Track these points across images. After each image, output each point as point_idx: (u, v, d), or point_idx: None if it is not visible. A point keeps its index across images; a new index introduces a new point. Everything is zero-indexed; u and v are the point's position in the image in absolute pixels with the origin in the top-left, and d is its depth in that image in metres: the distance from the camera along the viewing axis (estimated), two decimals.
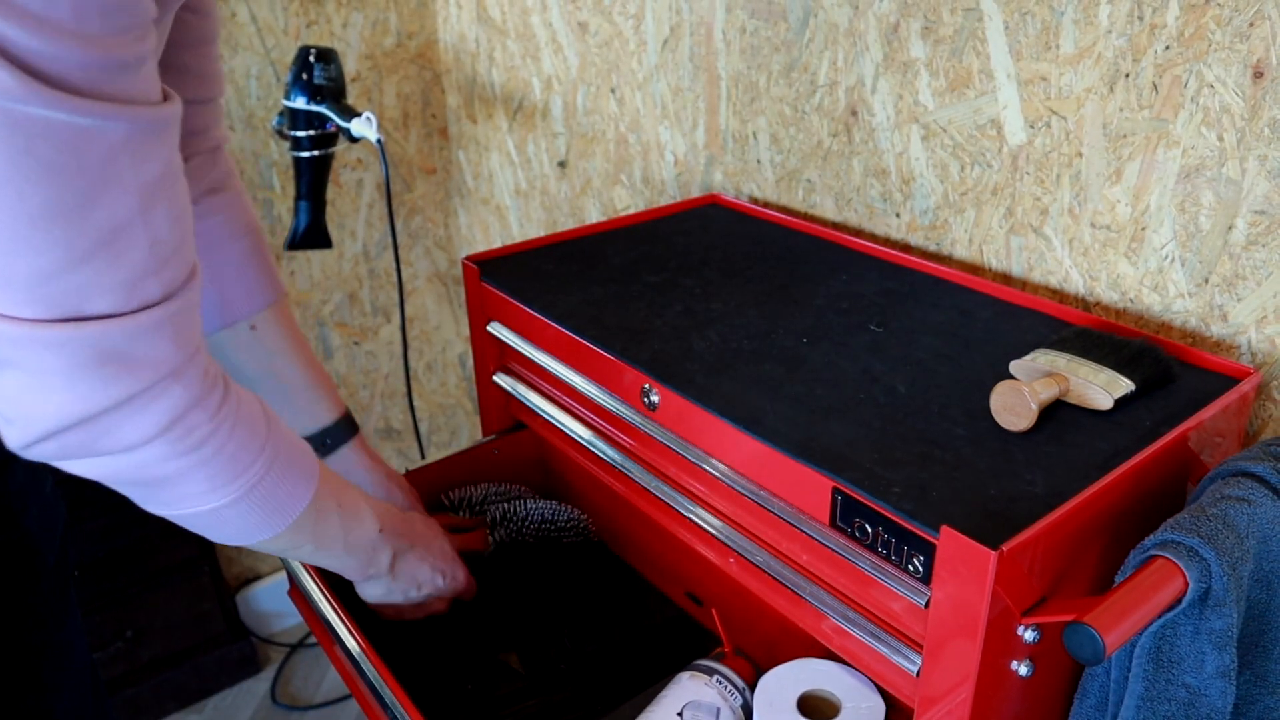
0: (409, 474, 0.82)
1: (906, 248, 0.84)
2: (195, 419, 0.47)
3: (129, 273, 0.41)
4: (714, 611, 0.64)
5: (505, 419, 0.85)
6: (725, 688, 0.58)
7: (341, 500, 0.59)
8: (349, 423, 0.74)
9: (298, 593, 0.74)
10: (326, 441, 0.72)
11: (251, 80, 1.33)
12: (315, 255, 1.47)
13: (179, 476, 0.48)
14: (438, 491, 0.83)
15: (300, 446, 0.56)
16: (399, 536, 0.65)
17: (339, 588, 0.68)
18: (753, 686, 0.57)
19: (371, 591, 0.66)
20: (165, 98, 0.43)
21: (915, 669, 0.49)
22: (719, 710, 0.57)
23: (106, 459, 0.45)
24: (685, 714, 0.57)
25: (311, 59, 1.07)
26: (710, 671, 0.59)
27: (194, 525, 0.52)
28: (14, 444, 0.44)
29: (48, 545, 0.62)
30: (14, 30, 0.35)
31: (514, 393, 0.79)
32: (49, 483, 0.64)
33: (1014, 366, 0.60)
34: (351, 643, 0.65)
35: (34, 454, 0.44)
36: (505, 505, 0.80)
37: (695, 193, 1.06)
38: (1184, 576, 0.44)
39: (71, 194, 0.39)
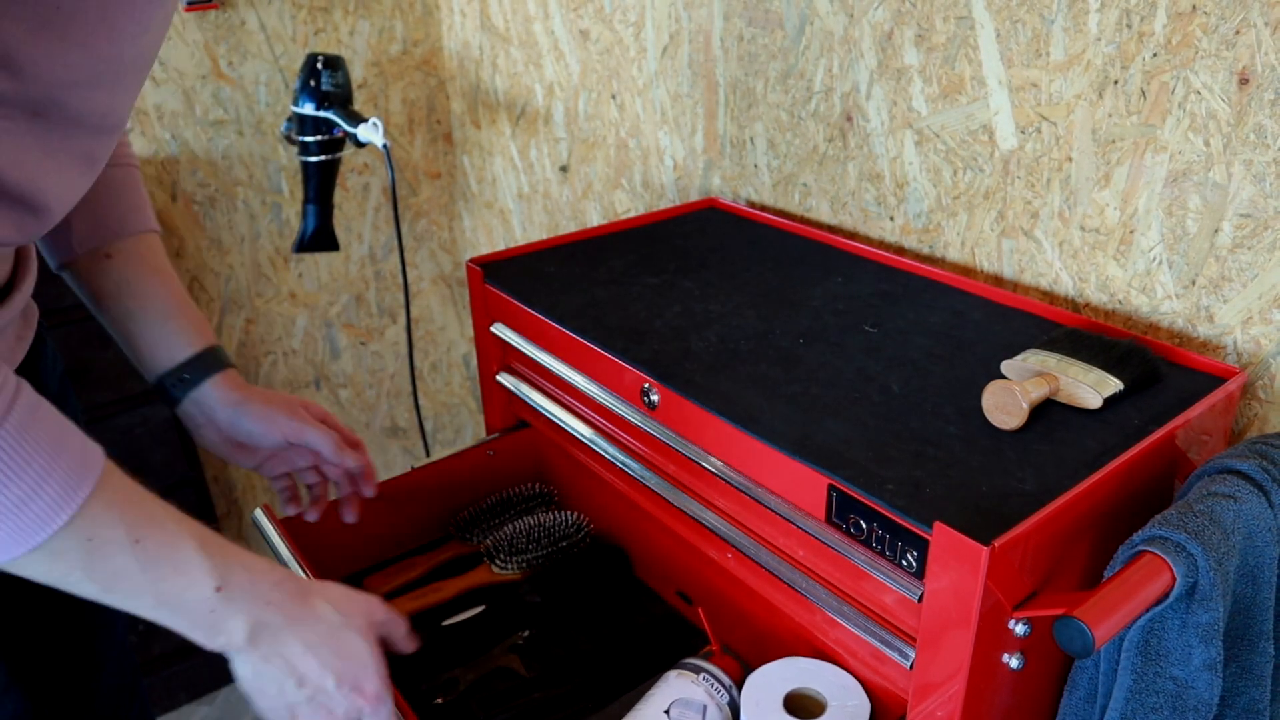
0: (414, 471, 0.82)
1: (900, 250, 0.85)
2: None
3: None
4: (701, 611, 0.65)
5: (508, 418, 0.86)
6: (712, 686, 0.59)
7: (143, 536, 0.45)
8: (213, 356, 0.66)
9: None
10: (184, 377, 0.65)
11: (260, 87, 1.34)
12: (323, 258, 1.49)
13: None
14: (444, 498, 0.84)
15: (66, 448, 0.42)
16: (265, 605, 0.49)
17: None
18: (740, 685, 0.58)
19: (240, 671, 0.50)
20: None
21: (909, 662, 0.50)
22: (705, 708, 0.57)
23: None
24: (672, 711, 0.57)
25: (319, 66, 1.08)
26: (697, 670, 0.60)
27: None
28: None
29: None
30: None
31: (517, 392, 0.80)
32: None
33: (1005, 366, 0.61)
34: None
35: None
36: (500, 533, 0.77)
37: (694, 196, 1.07)
38: (1171, 571, 0.45)
39: None
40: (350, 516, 0.73)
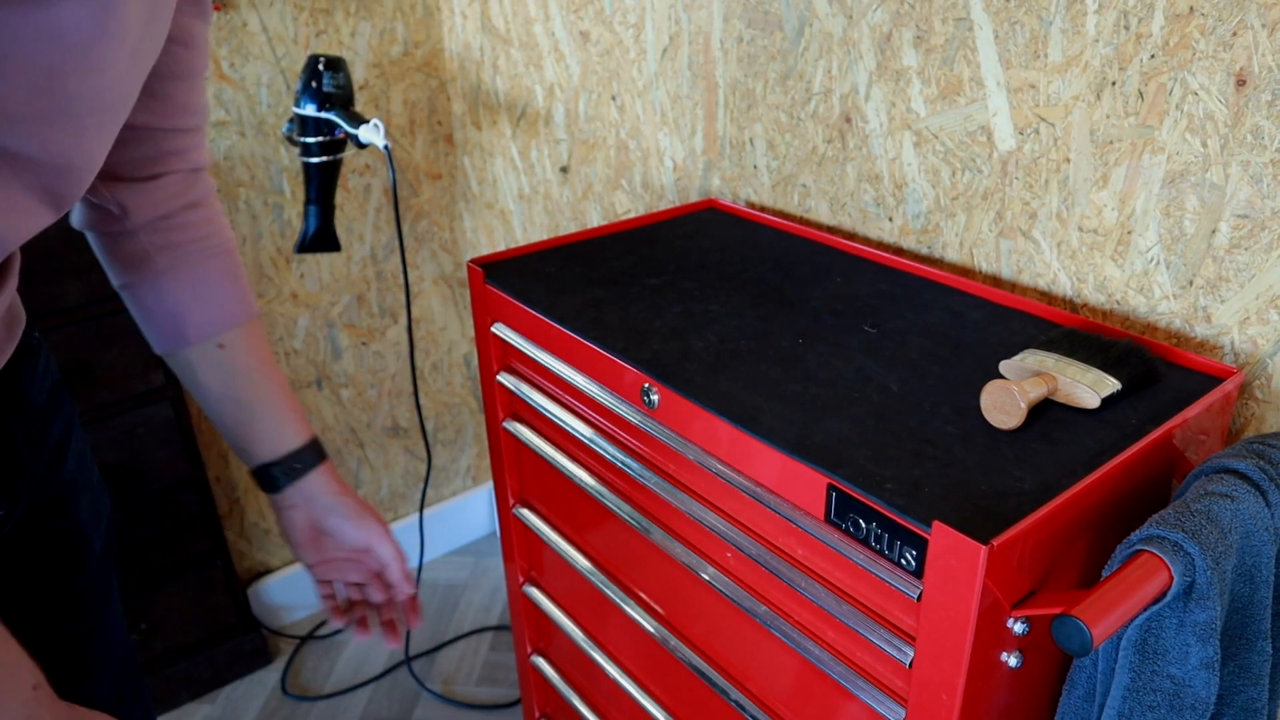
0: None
1: (899, 251, 0.85)
2: None
3: None
4: None
5: (509, 417, 0.87)
6: None
7: None
8: (317, 448, 0.71)
9: None
10: (295, 466, 0.69)
11: (262, 88, 1.35)
12: (324, 258, 1.49)
13: None
14: None
15: None
16: (34, 706, 0.46)
17: None
18: None
19: None
20: None
21: (908, 660, 0.50)
22: None
23: None
24: None
25: (321, 67, 1.09)
26: None
27: None
28: None
29: (95, 533, 0.63)
30: None
31: (517, 392, 0.81)
32: (95, 473, 0.65)
33: (1004, 366, 0.61)
34: None
35: None
36: None
37: (694, 197, 1.07)
38: (1169, 570, 0.45)
39: None
40: (393, 644, 0.77)
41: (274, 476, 0.69)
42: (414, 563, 1.74)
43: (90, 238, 0.64)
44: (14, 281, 0.54)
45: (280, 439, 0.69)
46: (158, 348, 0.67)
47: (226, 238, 0.67)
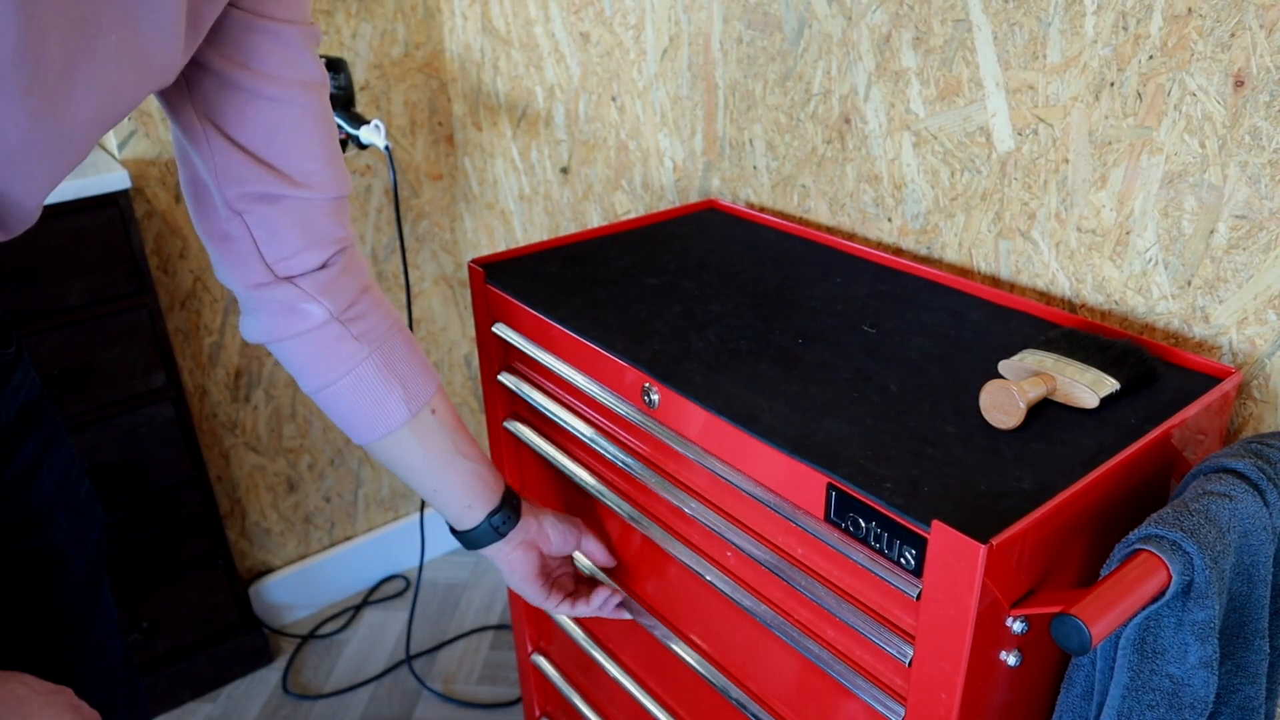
0: None
1: (898, 251, 0.86)
2: None
3: None
4: None
5: (510, 417, 0.87)
6: None
7: None
8: (510, 487, 0.73)
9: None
10: (513, 503, 0.71)
11: None
12: None
13: None
14: None
15: None
16: None
17: None
18: None
19: None
20: None
21: (907, 659, 0.50)
22: None
23: None
24: None
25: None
26: None
27: None
28: None
29: (78, 553, 0.62)
30: None
31: (518, 392, 0.81)
32: (84, 489, 0.64)
33: (1003, 366, 0.62)
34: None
35: None
36: None
37: (693, 198, 1.07)
38: (1167, 569, 0.45)
39: None
40: (619, 603, 0.78)
41: (498, 525, 0.70)
42: (414, 562, 1.74)
43: (275, 346, 0.62)
44: None
45: (496, 483, 0.70)
46: (371, 436, 0.64)
47: (398, 314, 0.67)
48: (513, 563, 0.72)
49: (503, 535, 0.71)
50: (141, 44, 0.46)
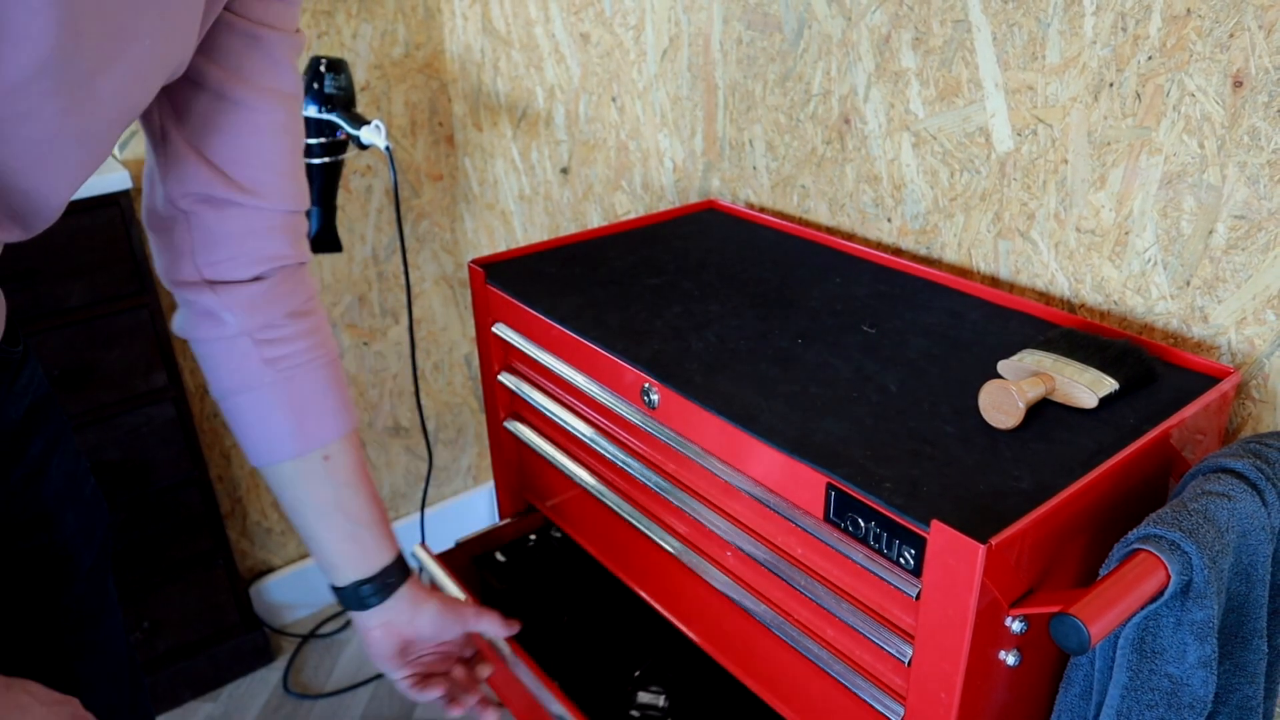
0: None
1: (898, 251, 0.86)
2: None
3: None
4: None
5: (510, 417, 0.87)
6: None
7: None
8: (403, 560, 0.69)
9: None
10: (389, 581, 0.67)
11: None
12: (326, 259, 1.49)
13: None
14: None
15: None
16: None
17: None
18: None
19: None
20: None
21: (906, 659, 0.50)
22: None
23: None
24: None
25: (322, 69, 1.09)
26: None
27: None
28: None
29: (85, 549, 0.62)
30: None
31: (518, 391, 0.81)
32: (89, 486, 0.64)
33: (1002, 366, 0.62)
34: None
35: None
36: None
37: (693, 198, 1.07)
38: (1166, 569, 0.45)
39: None
40: (492, 716, 0.74)
41: (364, 595, 0.66)
42: (415, 562, 1.74)
43: (192, 344, 0.62)
44: None
45: (378, 554, 0.66)
46: (256, 460, 0.64)
47: (333, 347, 0.64)
48: (370, 638, 0.68)
49: (367, 607, 0.67)
50: (167, 48, 0.47)
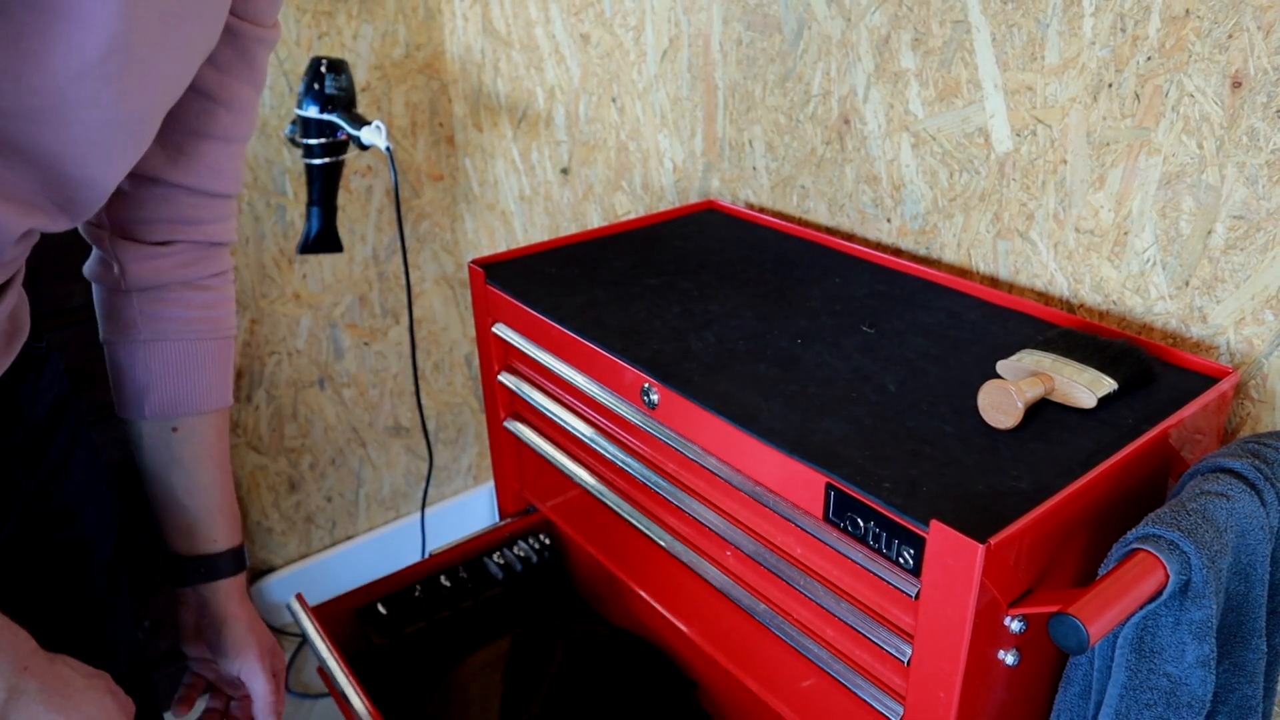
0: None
1: (897, 252, 0.86)
2: None
3: None
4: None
5: (510, 417, 0.87)
6: None
7: None
8: (238, 558, 0.68)
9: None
10: (204, 569, 0.66)
11: (265, 90, 1.35)
12: (326, 259, 1.49)
13: None
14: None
15: None
16: (20, 671, 0.47)
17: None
18: None
19: None
20: None
21: (905, 658, 0.50)
22: None
23: None
24: None
25: (323, 69, 1.09)
26: None
27: None
28: None
29: (103, 542, 0.63)
30: None
31: (518, 391, 0.81)
32: (106, 480, 0.64)
33: (1001, 366, 0.62)
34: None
35: None
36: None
37: (693, 198, 1.08)
38: (1165, 569, 0.45)
39: None
40: None
41: (185, 571, 0.66)
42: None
43: (92, 286, 0.63)
44: (15, 291, 0.54)
45: (203, 540, 0.66)
46: (118, 410, 0.65)
47: (224, 326, 0.64)
48: (178, 611, 0.69)
49: (175, 587, 0.67)
50: (209, 29, 0.49)
